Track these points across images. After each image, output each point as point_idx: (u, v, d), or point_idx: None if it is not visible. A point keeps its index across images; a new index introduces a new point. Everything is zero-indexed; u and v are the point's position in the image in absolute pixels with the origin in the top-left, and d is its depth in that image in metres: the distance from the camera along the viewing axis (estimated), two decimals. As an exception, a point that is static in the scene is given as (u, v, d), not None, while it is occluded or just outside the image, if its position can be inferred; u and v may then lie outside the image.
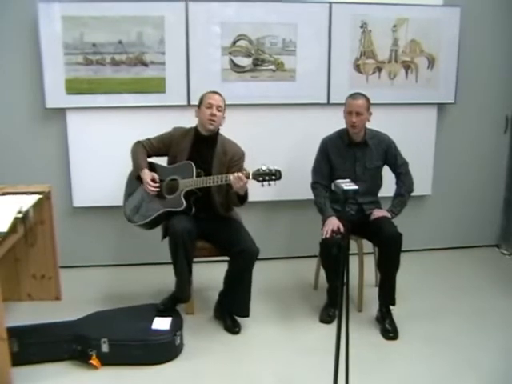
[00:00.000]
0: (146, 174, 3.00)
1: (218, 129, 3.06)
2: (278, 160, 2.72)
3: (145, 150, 3.08)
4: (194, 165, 2.92)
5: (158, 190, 2.98)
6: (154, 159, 3.15)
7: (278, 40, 3.64)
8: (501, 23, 3.96)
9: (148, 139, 3.10)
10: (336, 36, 3.68)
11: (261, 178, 2.68)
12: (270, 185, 2.69)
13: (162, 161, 3.15)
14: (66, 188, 3.69)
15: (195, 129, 3.06)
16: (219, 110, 2.97)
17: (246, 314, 2.95)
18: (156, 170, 3.07)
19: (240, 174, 2.70)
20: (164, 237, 3.04)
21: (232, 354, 2.74)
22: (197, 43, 3.56)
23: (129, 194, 3.16)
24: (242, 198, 2.89)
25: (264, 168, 2.68)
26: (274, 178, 2.68)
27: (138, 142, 3.10)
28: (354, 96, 3.07)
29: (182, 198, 2.88)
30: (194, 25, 3.53)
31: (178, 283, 2.90)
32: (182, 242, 2.77)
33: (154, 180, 2.99)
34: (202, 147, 3.02)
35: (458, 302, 3.32)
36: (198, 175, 2.90)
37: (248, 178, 2.70)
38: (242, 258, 2.84)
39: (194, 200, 2.94)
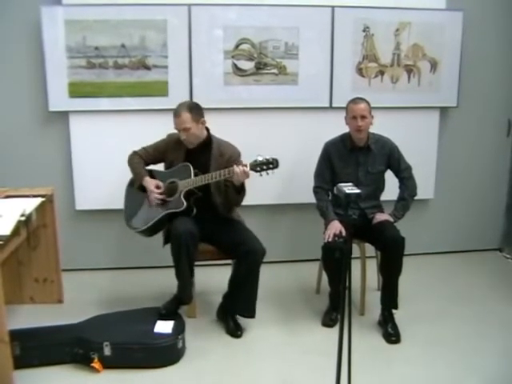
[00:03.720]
0: (149, 182, 3.01)
1: (209, 132, 3.04)
2: (281, 163, 2.72)
3: (141, 159, 3.09)
4: (190, 165, 2.92)
5: (162, 197, 2.98)
6: (150, 166, 3.15)
7: (281, 44, 3.64)
8: (503, 27, 3.96)
9: (143, 148, 3.10)
10: (338, 40, 3.68)
11: (259, 168, 2.71)
12: (268, 174, 2.71)
13: (158, 167, 3.16)
14: (69, 191, 3.70)
15: None
16: None
17: (251, 315, 2.93)
18: (155, 177, 3.07)
19: (246, 169, 2.71)
20: (165, 243, 3.04)
21: (234, 357, 2.74)
22: (199, 47, 3.57)
23: (129, 202, 3.16)
24: (240, 191, 2.88)
25: (260, 158, 2.71)
26: (271, 166, 2.70)
27: (134, 153, 3.10)
28: (355, 101, 3.06)
29: (182, 198, 2.89)
30: (197, 28, 3.54)
31: (181, 285, 2.89)
32: (185, 244, 2.77)
33: (158, 186, 3.00)
34: (198, 152, 3.00)
35: (460, 306, 3.31)
36: (196, 175, 2.90)
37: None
38: (249, 259, 2.84)
39: (195, 201, 2.94)
